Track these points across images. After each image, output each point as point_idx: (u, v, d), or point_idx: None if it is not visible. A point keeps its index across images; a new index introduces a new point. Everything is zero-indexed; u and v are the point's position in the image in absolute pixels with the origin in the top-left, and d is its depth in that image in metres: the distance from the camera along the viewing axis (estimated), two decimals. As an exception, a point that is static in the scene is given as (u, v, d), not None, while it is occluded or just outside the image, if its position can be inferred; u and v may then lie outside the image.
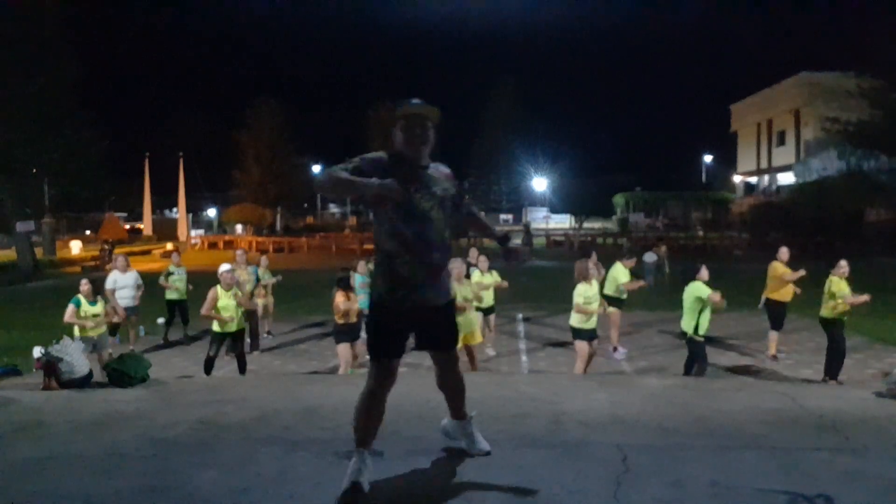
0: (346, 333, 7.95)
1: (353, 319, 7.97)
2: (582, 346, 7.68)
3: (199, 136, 55.86)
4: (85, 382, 5.92)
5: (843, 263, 7.90)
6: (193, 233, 48.67)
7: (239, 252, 10.94)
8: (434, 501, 3.12)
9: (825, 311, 7.87)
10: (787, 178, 41.38)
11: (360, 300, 8.38)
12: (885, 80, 24.99)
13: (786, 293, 9.20)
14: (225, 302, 7.96)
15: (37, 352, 6.68)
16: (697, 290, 7.16)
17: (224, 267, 8.38)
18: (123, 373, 5.89)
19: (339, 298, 7.81)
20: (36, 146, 23.59)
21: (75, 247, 35.57)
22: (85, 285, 8.19)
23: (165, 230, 46.69)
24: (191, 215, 53.63)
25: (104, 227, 41.66)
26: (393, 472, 3.47)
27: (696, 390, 5.49)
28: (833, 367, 7.69)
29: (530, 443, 3.86)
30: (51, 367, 5.88)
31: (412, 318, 3.24)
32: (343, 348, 7.92)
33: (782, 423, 4.35)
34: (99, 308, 8.16)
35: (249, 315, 9.54)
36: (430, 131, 3.21)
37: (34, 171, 25.88)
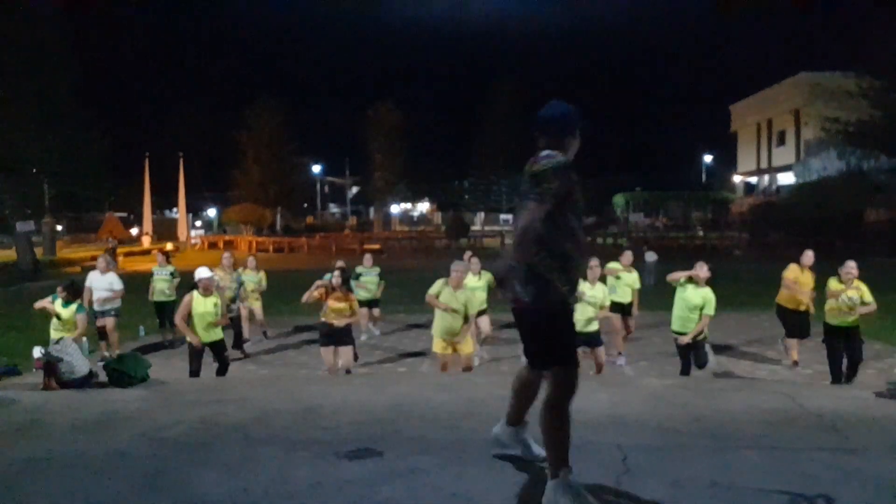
0: (327, 336, 7.53)
1: (338, 319, 7.46)
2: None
3: (199, 136, 55.68)
4: (85, 382, 5.92)
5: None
6: (193, 233, 48.66)
7: (225, 255, 10.57)
8: (435, 501, 3.12)
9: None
10: (787, 178, 41.38)
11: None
12: (885, 80, 25.02)
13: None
14: (203, 309, 7.29)
15: (37, 352, 6.69)
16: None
17: (202, 271, 7.55)
18: (123, 373, 5.89)
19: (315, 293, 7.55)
20: (36, 146, 23.58)
21: (146, 241, 36.05)
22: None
23: (165, 230, 46.71)
24: (191, 215, 53.63)
25: (104, 227, 41.68)
26: (394, 472, 3.47)
27: (696, 390, 5.50)
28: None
29: (530, 443, 3.86)
30: (51, 367, 5.89)
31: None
32: (325, 352, 7.58)
33: (782, 423, 4.36)
34: (67, 313, 7.76)
35: (233, 321, 9.37)
36: None
37: (34, 171, 25.90)
